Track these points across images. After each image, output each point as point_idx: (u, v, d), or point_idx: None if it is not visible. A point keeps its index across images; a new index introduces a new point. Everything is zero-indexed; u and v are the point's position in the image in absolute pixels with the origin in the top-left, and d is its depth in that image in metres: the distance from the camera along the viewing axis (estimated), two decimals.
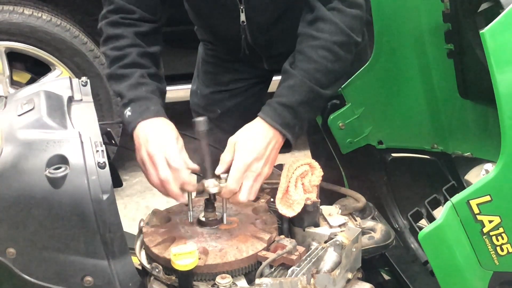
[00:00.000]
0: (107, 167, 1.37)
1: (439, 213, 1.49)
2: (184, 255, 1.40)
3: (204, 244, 1.54)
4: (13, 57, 3.55)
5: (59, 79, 2.06)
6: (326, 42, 1.69)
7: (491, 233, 1.47)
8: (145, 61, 1.79)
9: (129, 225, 1.79)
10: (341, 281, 1.53)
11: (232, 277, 1.47)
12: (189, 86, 2.38)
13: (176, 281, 1.47)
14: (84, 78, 1.79)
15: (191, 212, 1.66)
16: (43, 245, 1.35)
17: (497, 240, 1.48)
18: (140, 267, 1.57)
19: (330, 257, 1.54)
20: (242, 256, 1.50)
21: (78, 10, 3.74)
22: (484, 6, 1.66)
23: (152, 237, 1.58)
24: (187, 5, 2.04)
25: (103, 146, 1.43)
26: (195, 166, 1.62)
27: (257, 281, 1.43)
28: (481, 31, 1.35)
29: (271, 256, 1.50)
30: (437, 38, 1.85)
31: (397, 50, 1.93)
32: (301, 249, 1.54)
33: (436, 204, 2.07)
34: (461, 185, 2.09)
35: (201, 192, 1.67)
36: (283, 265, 1.52)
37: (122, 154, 3.77)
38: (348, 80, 1.97)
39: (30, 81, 3.62)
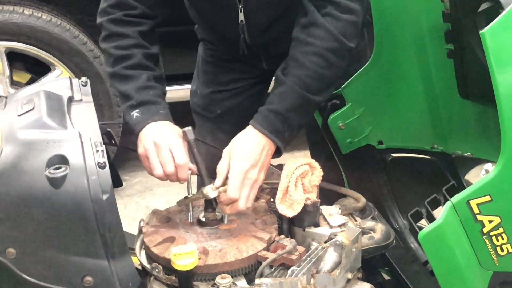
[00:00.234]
0: (107, 167, 1.37)
1: (439, 213, 1.49)
2: (184, 255, 1.40)
3: (204, 244, 1.54)
4: (13, 57, 3.55)
5: (59, 79, 2.06)
6: (318, 48, 1.69)
7: (491, 233, 1.47)
8: (150, 63, 1.81)
9: (129, 225, 1.79)
10: (341, 281, 1.53)
11: (232, 277, 1.47)
12: (189, 86, 2.38)
13: (176, 281, 1.47)
14: (84, 78, 1.79)
15: (191, 212, 1.67)
16: (43, 245, 1.35)
17: (497, 240, 1.48)
18: (140, 267, 1.57)
19: (330, 257, 1.54)
20: (242, 256, 1.50)
21: (78, 10, 3.73)
22: (484, 6, 1.66)
23: (152, 237, 1.58)
24: (187, 3, 2.04)
25: (103, 146, 1.43)
26: (194, 167, 1.67)
27: (257, 281, 1.43)
28: (481, 31, 1.35)
29: (271, 256, 1.50)
30: (437, 38, 1.85)
31: (397, 50, 1.93)
32: (301, 249, 1.54)
33: (436, 204, 2.07)
34: (461, 185, 2.09)
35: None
36: (283, 265, 1.52)
37: (122, 154, 3.77)
38: (348, 80, 1.97)
39: (30, 81, 3.62)
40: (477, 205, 1.45)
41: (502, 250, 1.49)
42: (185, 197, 1.66)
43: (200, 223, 1.64)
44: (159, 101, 1.76)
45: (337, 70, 1.76)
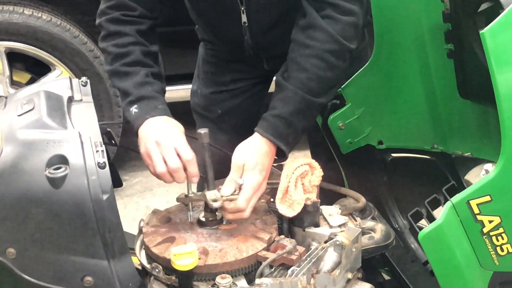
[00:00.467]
0: (107, 167, 1.37)
1: (439, 213, 1.49)
2: (184, 255, 1.40)
3: (204, 244, 1.54)
4: (13, 57, 3.55)
5: (59, 79, 2.06)
6: (318, 50, 1.69)
7: (491, 233, 1.47)
8: (148, 60, 1.81)
9: (129, 225, 1.79)
10: (341, 281, 1.53)
11: (232, 277, 1.47)
12: (189, 86, 2.38)
13: (176, 281, 1.47)
14: (84, 78, 1.79)
15: (191, 212, 1.67)
16: (43, 245, 1.35)
17: (497, 240, 1.48)
18: (140, 267, 1.57)
19: (330, 257, 1.54)
20: (242, 256, 1.50)
21: (78, 10, 3.73)
22: (484, 6, 1.66)
23: (152, 237, 1.58)
24: (188, 4, 2.04)
25: (103, 146, 1.43)
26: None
27: (257, 281, 1.43)
28: (481, 31, 1.35)
29: (271, 256, 1.50)
30: (437, 38, 1.85)
31: (397, 50, 1.93)
32: (301, 249, 1.54)
33: (436, 204, 2.07)
34: (461, 185, 2.09)
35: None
36: (283, 265, 1.52)
37: (122, 154, 3.77)
38: (348, 80, 1.97)
39: (30, 81, 3.62)
40: (477, 205, 1.45)
41: (502, 250, 1.49)
42: (186, 195, 1.66)
43: (200, 223, 1.64)
44: (157, 96, 1.75)
45: (338, 72, 1.76)
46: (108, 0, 1.83)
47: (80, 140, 1.41)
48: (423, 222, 2.10)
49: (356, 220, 1.72)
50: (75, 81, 1.77)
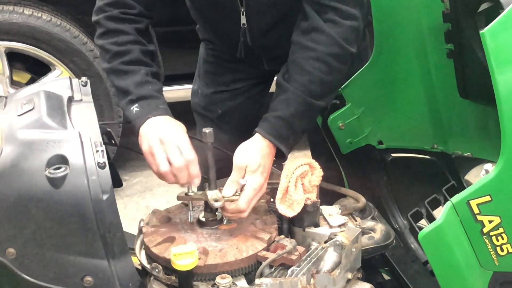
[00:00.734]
0: (107, 167, 1.37)
1: (439, 213, 1.49)
2: (184, 255, 1.40)
3: (204, 244, 1.54)
4: (13, 57, 3.55)
5: (59, 79, 2.06)
6: (321, 54, 1.69)
7: (491, 233, 1.47)
8: (147, 59, 1.80)
9: (129, 225, 1.79)
10: (341, 281, 1.53)
11: (232, 277, 1.47)
12: (189, 86, 2.38)
13: (176, 281, 1.47)
14: (84, 78, 1.79)
15: (191, 212, 1.67)
16: (43, 245, 1.35)
17: (497, 240, 1.48)
18: (140, 267, 1.57)
19: (330, 257, 1.54)
20: (242, 256, 1.50)
21: (78, 10, 3.73)
22: (484, 6, 1.66)
23: (152, 237, 1.58)
24: (189, 4, 2.04)
25: (103, 146, 1.43)
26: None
27: (257, 281, 1.43)
28: (481, 31, 1.35)
29: (271, 256, 1.50)
30: (437, 38, 1.85)
31: (397, 50, 1.93)
32: (301, 249, 1.54)
33: (436, 204, 2.07)
34: (461, 185, 2.09)
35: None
36: (283, 265, 1.52)
37: (122, 154, 3.77)
38: (348, 80, 1.97)
39: (30, 81, 3.62)
40: (477, 205, 1.45)
41: (502, 250, 1.49)
42: (186, 194, 1.66)
43: (200, 223, 1.64)
44: (158, 96, 1.75)
45: (339, 75, 1.77)
46: None
47: (80, 140, 1.41)
48: (423, 222, 2.10)
49: (356, 220, 1.72)
50: (75, 81, 1.77)
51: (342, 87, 1.98)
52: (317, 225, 1.63)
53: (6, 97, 1.73)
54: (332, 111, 2.03)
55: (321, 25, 1.70)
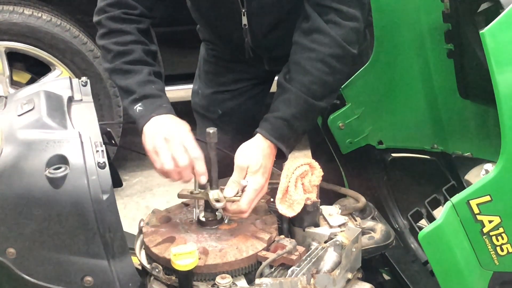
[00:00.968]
0: (107, 167, 1.37)
1: (439, 213, 1.49)
2: (184, 255, 1.40)
3: (204, 244, 1.54)
4: (13, 57, 3.55)
5: (59, 79, 2.06)
6: (322, 54, 1.70)
7: (491, 233, 1.47)
8: (149, 59, 1.81)
9: (129, 225, 1.79)
10: (341, 281, 1.53)
11: (232, 277, 1.47)
12: (189, 86, 2.38)
13: (176, 281, 1.47)
14: (84, 78, 1.79)
15: (196, 209, 1.66)
16: (43, 245, 1.35)
17: (497, 240, 1.48)
18: (140, 267, 1.57)
19: (330, 257, 1.54)
20: (242, 256, 1.50)
21: (78, 10, 3.73)
22: (484, 6, 1.66)
23: (152, 237, 1.58)
24: (189, 4, 2.04)
25: (103, 146, 1.43)
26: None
27: (257, 281, 1.43)
28: (481, 31, 1.35)
29: (271, 256, 1.50)
30: (437, 38, 1.85)
31: (397, 50, 1.93)
32: (301, 249, 1.54)
33: (436, 204, 2.07)
34: (461, 185, 2.09)
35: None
36: (283, 265, 1.52)
37: (122, 154, 3.77)
38: (348, 80, 1.97)
39: (30, 81, 3.62)
40: (477, 205, 1.45)
41: (502, 250, 1.49)
42: (191, 192, 1.65)
43: (200, 223, 1.64)
44: (161, 95, 1.75)
45: (340, 76, 1.77)
46: None
47: (80, 140, 1.41)
48: (423, 222, 2.10)
49: (356, 220, 1.72)
50: (75, 81, 1.77)
51: (342, 87, 1.98)
52: (317, 225, 1.63)
53: (6, 97, 1.73)
54: (332, 111, 2.03)
55: (323, 26, 1.70)
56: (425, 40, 1.87)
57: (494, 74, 1.36)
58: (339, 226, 1.62)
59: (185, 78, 3.23)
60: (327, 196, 1.85)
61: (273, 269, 1.52)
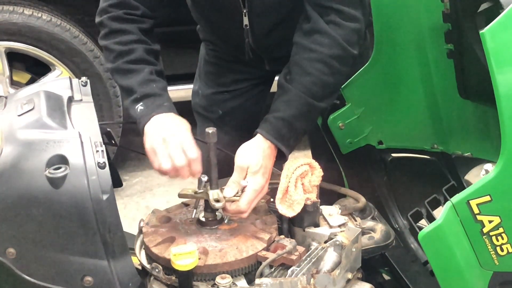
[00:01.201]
0: (107, 167, 1.37)
1: (439, 213, 1.49)
2: (184, 255, 1.40)
3: (204, 244, 1.54)
4: (13, 57, 3.55)
5: (59, 79, 2.06)
6: (323, 55, 1.70)
7: (491, 233, 1.47)
8: (151, 58, 1.81)
9: (129, 225, 1.79)
10: (341, 281, 1.53)
11: (232, 277, 1.47)
12: (189, 86, 2.38)
13: (176, 281, 1.47)
14: (84, 78, 1.79)
15: (196, 209, 1.67)
16: (43, 245, 1.35)
17: (497, 240, 1.48)
18: (140, 267, 1.57)
19: (330, 257, 1.54)
20: (242, 256, 1.50)
21: (78, 10, 3.73)
22: (484, 6, 1.66)
23: (152, 237, 1.58)
24: (190, 5, 2.04)
25: (103, 146, 1.43)
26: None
27: (257, 281, 1.43)
28: (481, 31, 1.35)
29: (271, 256, 1.50)
30: (437, 38, 1.85)
31: (397, 50, 1.93)
32: (301, 249, 1.54)
33: (436, 204, 2.07)
34: (461, 185, 2.09)
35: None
36: (283, 265, 1.52)
37: (122, 154, 3.77)
38: (348, 80, 1.97)
39: (30, 81, 3.62)
40: (477, 205, 1.45)
41: (502, 250, 1.49)
42: (195, 192, 1.65)
43: (200, 223, 1.64)
44: (162, 94, 1.75)
45: (340, 77, 1.78)
46: None
47: (80, 140, 1.41)
48: (423, 222, 2.10)
49: (356, 220, 1.72)
50: (75, 81, 1.77)
51: (342, 87, 1.98)
52: (317, 225, 1.63)
53: (6, 97, 1.73)
54: (332, 111, 2.03)
55: (324, 27, 1.70)
56: (425, 40, 1.87)
57: (494, 74, 1.36)
58: (339, 226, 1.62)
59: (185, 78, 3.23)
60: (327, 196, 1.85)
61: (273, 269, 1.52)
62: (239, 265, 1.50)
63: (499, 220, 1.46)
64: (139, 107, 1.71)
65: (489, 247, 1.49)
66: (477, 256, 1.51)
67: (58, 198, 1.33)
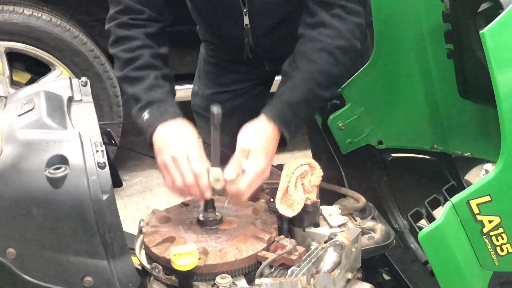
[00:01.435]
0: (107, 167, 1.37)
1: (439, 213, 1.49)
2: (184, 255, 1.40)
3: (204, 244, 1.54)
4: (13, 57, 3.55)
5: (59, 79, 2.06)
6: (328, 45, 1.72)
7: (491, 233, 1.47)
8: (158, 62, 1.79)
9: (129, 225, 1.79)
10: (341, 281, 1.53)
11: (232, 277, 1.47)
12: (189, 86, 2.38)
13: (176, 281, 1.47)
14: (84, 78, 1.79)
15: (202, 207, 1.65)
16: (43, 245, 1.35)
17: (497, 240, 1.48)
18: (140, 267, 1.57)
19: (330, 257, 1.54)
20: (242, 256, 1.50)
21: (78, 10, 3.73)
22: (484, 6, 1.66)
23: (152, 237, 1.58)
24: (190, 5, 2.04)
25: (103, 146, 1.43)
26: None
27: (257, 281, 1.43)
28: (481, 31, 1.35)
29: (271, 256, 1.50)
30: (437, 38, 1.85)
31: (397, 50, 1.93)
32: (301, 249, 1.54)
33: (436, 204, 2.07)
34: (461, 185, 2.09)
35: None
36: (283, 265, 1.52)
37: (122, 154, 3.77)
38: (348, 80, 1.97)
39: (30, 81, 3.62)
40: (477, 205, 1.45)
41: (502, 250, 1.49)
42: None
43: (200, 223, 1.64)
44: (167, 99, 1.74)
45: (343, 69, 1.79)
46: (116, 5, 1.81)
47: (80, 140, 1.41)
48: (423, 222, 2.10)
49: (356, 220, 1.72)
50: (75, 81, 1.77)
51: (342, 87, 1.98)
52: (317, 225, 1.63)
53: (6, 97, 1.73)
54: (332, 111, 2.03)
55: (329, 20, 1.72)
56: (425, 40, 1.87)
57: (494, 74, 1.36)
58: (339, 226, 1.62)
59: (185, 79, 3.23)
60: (327, 196, 1.85)
61: (273, 269, 1.52)
62: (239, 265, 1.50)
63: (499, 220, 1.46)
64: (145, 115, 1.70)
65: (489, 247, 1.49)
66: (477, 256, 1.51)
67: (58, 198, 1.33)
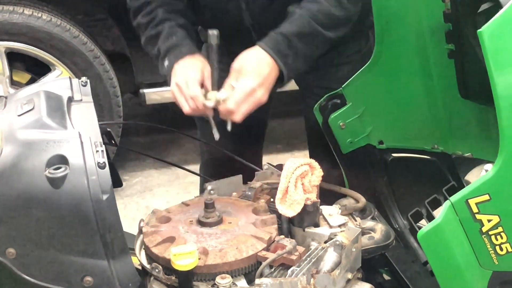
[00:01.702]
0: (107, 167, 1.37)
1: (439, 213, 1.49)
2: (184, 255, 1.40)
3: (204, 244, 1.54)
4: (13, 57, 3.55)
5: (59, 79, 2.06)
6: None
7: (490, 232, 1.47)
8: (173, 15, 1.90)
9: (129, 225, 1.79)
10: (341, 281, 1.53)
11: (232, 277, 1.47)
12: None
13: (176, 281, 1.47)
14: (84, 78, 1.79)
15: (214, 128, 1.79)
16: (43, 245, 1.35)
17: (496, 239, 1.48)
18: (140, 267, 1.57)
19: (330, 257, 1.54)
20: (242, 256, 1.50)
21: (78, 10, 3.74)
22: (484, 6, 1.66)
23: (152, 237, 1.58)
24: None
25: (103, 146, 1.43)
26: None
27: (257, 281, 1.43)
28: (478, 30, 1.35)
29: (271, 256, 1.50)
30: (437, 38, 1.85)
31: (397, 50, 1.93)
32: (301, 249, 1.54)
33: (436, 204, 2.07)
34: (461, 186, 2.09)
35: None
36: (283, 265, 1.52)
37: (122, 154, 3.77)
38: (349, 80, 1.98)
39: (30, 81, 3.62)
40: (476, 204, 1.45)
41: (501, 249, 1.49)
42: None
43: (200, 223, 1.64)
44: (182, 43, 1.84)
45: (348, 13, 1.85)
46: None
47: (80, 140, 1.41)
48: (423, 222, 2.10)
49: (356, 220, 1.72)
50: (75, 81, 1.77)
51: (342, 86, 1.98)
52: (317, 225, 1.63)
53: (6, 97, 1.73)
54: (332, 111, 2.03)
55: None
56: (426, 40, 1.87)
57: (492, 72, 1.36)
58: (339, 226, 1.62)
59: None
60: (327, 196, 1.85)
61: (273, 269, 1.52)
62: (239, 265, 1.50)
63: (498, 219, 1.46)
64: (166, 63, 1.83)
65: (489, 246, 1.49)
66: (476, 255, 1.51)
67: (58, 198, 1.33)
